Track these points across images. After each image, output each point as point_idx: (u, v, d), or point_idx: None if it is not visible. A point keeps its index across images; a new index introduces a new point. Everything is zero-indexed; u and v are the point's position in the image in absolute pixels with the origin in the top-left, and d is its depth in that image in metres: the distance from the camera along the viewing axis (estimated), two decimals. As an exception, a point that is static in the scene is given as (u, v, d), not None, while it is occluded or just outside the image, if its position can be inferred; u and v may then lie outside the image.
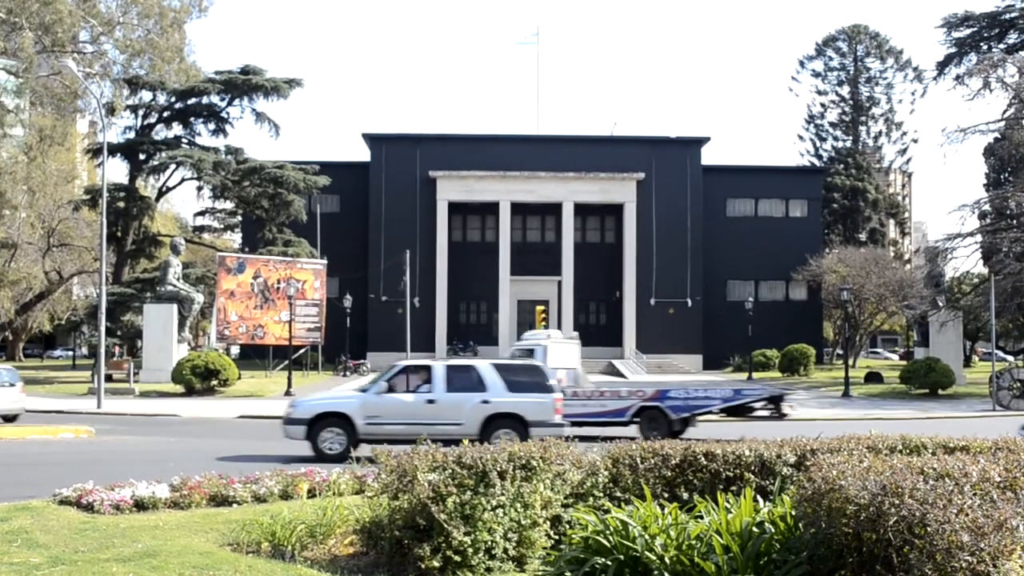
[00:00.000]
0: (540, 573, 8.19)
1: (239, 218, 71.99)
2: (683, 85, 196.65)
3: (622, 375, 58.40)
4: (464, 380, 20.14)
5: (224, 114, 63.77)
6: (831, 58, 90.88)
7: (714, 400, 24.69)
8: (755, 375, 57.58)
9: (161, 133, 63.97)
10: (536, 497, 8.72)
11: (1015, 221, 50.01)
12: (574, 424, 22.66)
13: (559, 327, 66.72)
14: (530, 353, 27.49)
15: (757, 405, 25.61)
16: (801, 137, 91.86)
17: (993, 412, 34.81)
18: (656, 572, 7.04)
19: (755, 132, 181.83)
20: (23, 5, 46.88)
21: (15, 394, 28.56)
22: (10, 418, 28.16)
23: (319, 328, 55.37)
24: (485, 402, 19.80)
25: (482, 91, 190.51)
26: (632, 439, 22.22)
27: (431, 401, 19.85)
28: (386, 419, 19.71)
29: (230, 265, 52.58)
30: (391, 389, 20.20)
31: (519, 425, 19.56)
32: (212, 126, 63.80)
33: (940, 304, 49.43)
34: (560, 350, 28.82)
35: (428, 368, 20.56)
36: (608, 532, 7.45)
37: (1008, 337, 78.72)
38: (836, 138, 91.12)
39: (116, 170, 65.59)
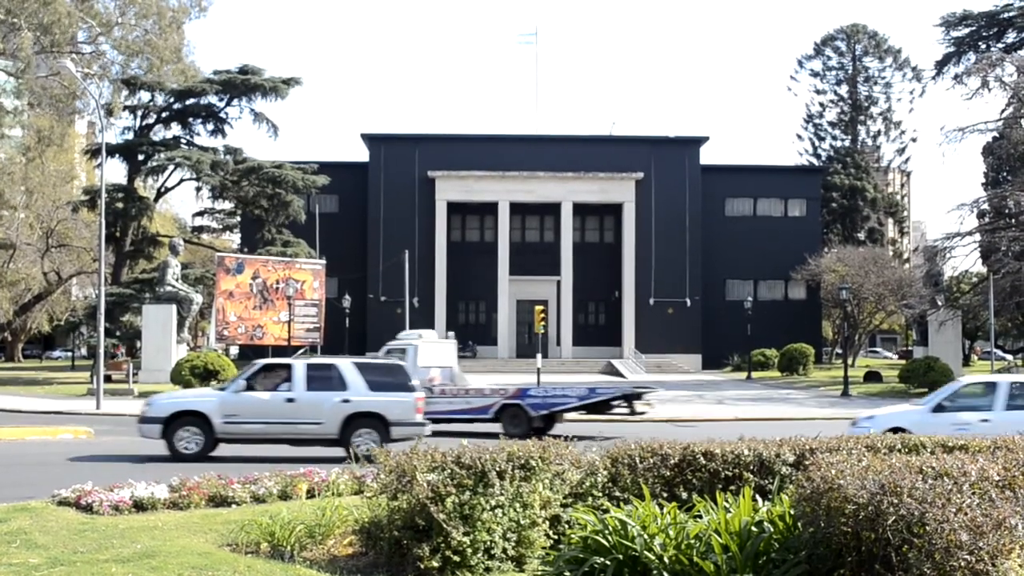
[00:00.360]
0: (539, 573, 8.18)
1: (238, 218, 71.98)
2: (682, 85, 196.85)
3: (621, 375, 58.43)
4: (324, 379, 19.82)
5: (223, 114, 63.76)
6: (829, 57, 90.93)
7: (571, 398, 25.67)
8: (754, 374, 57.64)
9: (160, 134, 63.95)
10: (535, 497, 8.71)
11: (1014, 220, 50.03)
12: (442, 421, 24.45)
13: (558, 327, 66.89)
14: (402, 352, 28.00)
15: (614, 403, 26.41)
16: (800, 136, 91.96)
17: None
18: (655, 571, 7.04)
19: (754, 132, 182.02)
20: (22, 5, 46.81)
21: None
22: None
23: (318, 328, 55.36)
24: (345, 401, 19.46)
25: (481, 91, 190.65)
26: (496, 435, 23.62)
27: (290, 400, 19.53)
28: (244, 418, 19.42)
29: (229, 265, 52.58)
30: (250, 387, 19.82)
31: (380, 424, 19.38)
32: (211, 126, 63.79)
33: (939, 303, 49.43)
34: (432, 349, 29.58)
35: (288, 366, 20.27)
36: (607, 532, 7.45)
37: (1007, 336, 78.82)
38: (835, 137, 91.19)
39: (115, 171, 65.61)
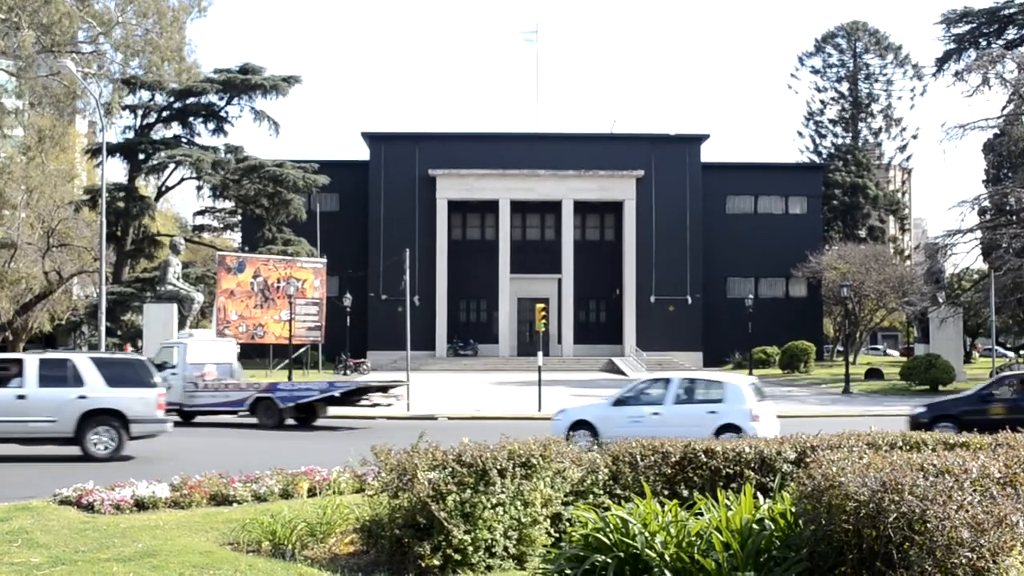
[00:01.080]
0: (540, 571, 8.18)
1: (239, 217, 71.99)
2: (682, 82, 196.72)
3: (623, 373, 58.42)
4: (59, 375, 18.98)
5: (223, 113, 63.76)
6: (830, 55, 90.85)
7: (313, 392, 28.14)
8: (755, 372, 57.55)
9: (160, 133, 63.97)
10: (536, 495, 8.72)
11: (1015, 217, 49.97)
12: (207, 412, 28.12)
13: (559, 325, 66.87)
14: (172, 350, 29.85)
15: (362, 395, 28.83)
16: (800, 134, 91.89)
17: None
18: (656, 569, 7.03)
19: (755, 129, 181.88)
20: (22, 5, 46.81)
21: None
22: None
23: (319, 327, 55.38)
24: (82, 398, 18.70)
25: (482, 89, 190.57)
26: (255, 426, 26.66)
27: (21, 397, 18.57)
28: None
29: (230, 264, 52.59)
30: None
31: (119, 422, 18.81)
32: (211, 125, 63.80)
33: (940, 300, 49.36)
34: (204, 347, 31.12)
35: (19, 361, 19.33)
36: (608, 530, 7.45)
37: (1008, 333, 78.78)
38: (836, 135, 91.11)
39: (115, 170, 65.62)
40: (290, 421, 27.72)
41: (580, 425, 20.16)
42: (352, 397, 28.49)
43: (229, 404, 28.26)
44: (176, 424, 26.01)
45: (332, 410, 28.97)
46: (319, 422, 28.14)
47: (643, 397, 20.62)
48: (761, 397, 20.40)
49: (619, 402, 20.57)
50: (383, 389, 29.44)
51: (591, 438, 19.08)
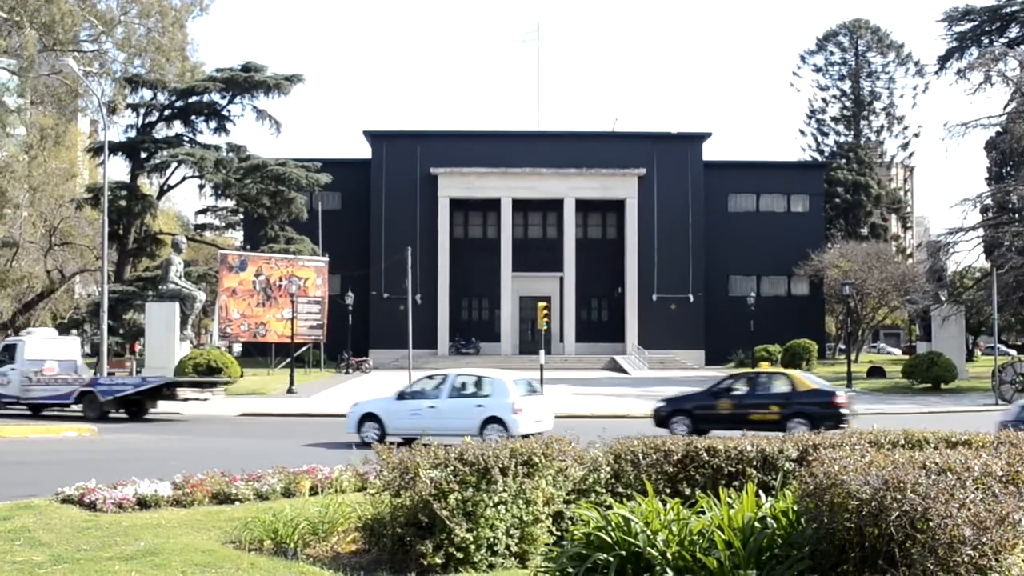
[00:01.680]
0: (542, 569, 8.18)
1: (240, 216, 71.98)
2: (684, 80, 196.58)
3: (624, 371, 58.44)
4: None
5: (225, 112, 63.68)
6: (832, 53, 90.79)
7: (128, 386, 29.84)
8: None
9: (162, 131, 63.91)
10: (538, 493, 8.72)
11: (1017, 215, 49.96)
12: (41, 406, 29.79)
13: (561, 323, 66.87)
14: (12, 348, 31.68)
15: (167, 391, 30.14)
16: (803, 132, 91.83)
17: (996, 406, 34.76)
18: (658, 568, 7.02)
19: (757, 127, 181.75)
20: (24, 3, 46.82)
21: None
22: None
23: (321, 326, 55.39)
24: None
25: (483, 88, 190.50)
26: (83, 418, 28.03)
27: None
28: None
29: (232, 263, 52.61)
30: None
31: None
32: (213, 124, 63.71)
33: (942, 298, 49.32)
34: (43, 345, 32.47)
35: None
36: (610, 528, 7.44)
37: (1010, 331, 78.80)
38: (838, 133, 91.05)
39: (118, 168, 65.64)
40: (122, 414, 29.10)
41: (369, 418, 21.44)
42: (165, 392, 29.93)
43: (59, 397, 29.86)
44: (25, 417, 28.81)
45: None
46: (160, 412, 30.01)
47: (423, 392, 21.92)
48: (530, 393, 21.51)
49: (402, 396, 21.92)
50: (197, 385, 31.23)
51: (378, 430, 20.72)
